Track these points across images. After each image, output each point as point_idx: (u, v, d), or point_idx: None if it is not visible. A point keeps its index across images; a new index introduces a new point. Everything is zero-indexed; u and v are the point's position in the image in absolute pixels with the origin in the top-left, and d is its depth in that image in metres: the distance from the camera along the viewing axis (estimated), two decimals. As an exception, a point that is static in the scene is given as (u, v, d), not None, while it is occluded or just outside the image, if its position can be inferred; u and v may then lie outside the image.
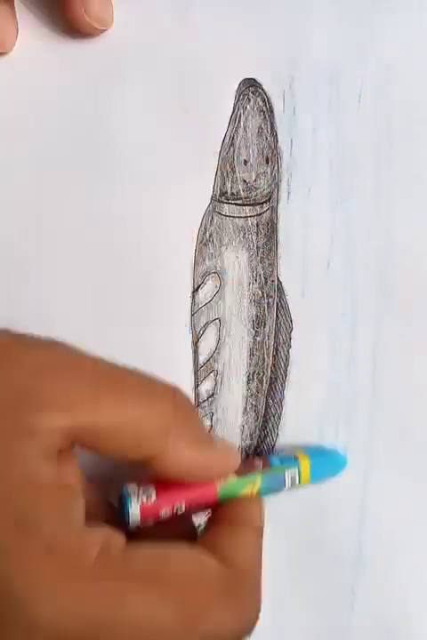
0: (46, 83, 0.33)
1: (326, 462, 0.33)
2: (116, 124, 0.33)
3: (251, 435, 0.34)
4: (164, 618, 0.23)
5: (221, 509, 0.28)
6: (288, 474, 0.31)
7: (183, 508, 0.28)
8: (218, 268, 0.34)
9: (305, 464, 0.31)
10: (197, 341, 0.34)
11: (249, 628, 0.26)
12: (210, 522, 0.29)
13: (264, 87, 0.33)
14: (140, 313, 0.33)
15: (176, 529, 0.28)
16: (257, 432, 0.34)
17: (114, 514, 0.28)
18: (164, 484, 0.27)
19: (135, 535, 0.26)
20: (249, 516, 0.28)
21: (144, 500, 0.27)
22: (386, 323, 0.34)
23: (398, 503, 0.34)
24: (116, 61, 0.33)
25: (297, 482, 0.31)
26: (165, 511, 0.27)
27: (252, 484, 0.30)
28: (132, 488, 0.27)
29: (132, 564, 0.23)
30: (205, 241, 0.33)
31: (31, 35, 0.33)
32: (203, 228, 0.33)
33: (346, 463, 0.33)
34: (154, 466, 0.26)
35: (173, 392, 0.26)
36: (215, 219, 0.33)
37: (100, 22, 0.31)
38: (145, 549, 0.24)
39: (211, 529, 0.28)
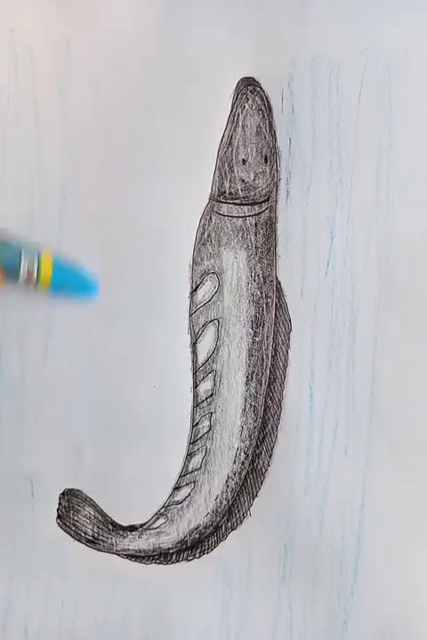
0: (46, 81, 0.33)
1: (72, 277, 0.31)
2: (116, 123, 0.33)
3: (250, 435, 0.34)
4: None
5: None
6: (25, 259, 0.29)
7: None
8: (216, 268, 0.34)
9: (47, 261, 0.29)
10: (195, 342, 0.33)
11: None
12: None
13: (263, 86, 0.33)
14: (138, 313, 0.33)
15: None
16: (256, 433, 0.34)
17: None
18: None
19: None
20: None
21: None
22: (386, 323, 0.34)
23: (398, 503, 0.33)
24: (116, 61, 0.33)
25: (35, 277, 0.29)
26: None
27: None
28: None
29: None
30: (204, 241, 0.33)
31: (31, 33, 0.33)
32: (201, 228, 0.33)
33: (96, 291, 0.32)
34: None
35: None
36: (214, 218, 0.33)
37: None
38: None
39: None
